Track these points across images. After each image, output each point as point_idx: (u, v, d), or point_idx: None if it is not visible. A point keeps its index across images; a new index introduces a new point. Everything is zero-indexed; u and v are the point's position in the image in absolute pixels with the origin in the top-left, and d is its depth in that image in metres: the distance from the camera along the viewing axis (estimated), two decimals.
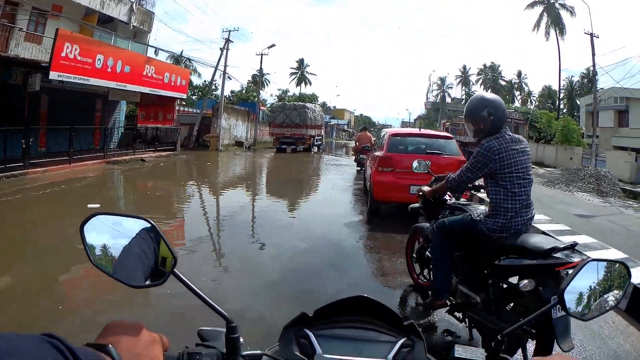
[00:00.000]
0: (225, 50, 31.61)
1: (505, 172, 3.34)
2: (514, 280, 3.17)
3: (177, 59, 48.01)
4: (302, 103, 36.61)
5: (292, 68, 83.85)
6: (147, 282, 0.95)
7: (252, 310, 4.25)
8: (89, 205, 9.22)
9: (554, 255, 2.90)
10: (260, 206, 11.24)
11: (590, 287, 1.08)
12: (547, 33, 52.11)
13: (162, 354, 0.81)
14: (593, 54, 26.71)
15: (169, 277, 0.96)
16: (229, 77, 33.08)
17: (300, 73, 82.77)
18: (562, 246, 2.94)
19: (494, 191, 3.42)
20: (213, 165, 22.09)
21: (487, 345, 1.12)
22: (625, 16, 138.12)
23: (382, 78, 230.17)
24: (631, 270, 1.16)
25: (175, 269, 0.95)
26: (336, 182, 16.29)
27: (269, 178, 19.24)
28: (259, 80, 48.29)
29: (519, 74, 75.09)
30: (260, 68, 40.79)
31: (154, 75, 21.39)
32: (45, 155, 16.17)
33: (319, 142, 36.77)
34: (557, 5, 51.64)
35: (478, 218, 3.49)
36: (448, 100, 77.93)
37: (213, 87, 35.97)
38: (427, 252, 4.63)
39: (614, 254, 6.55)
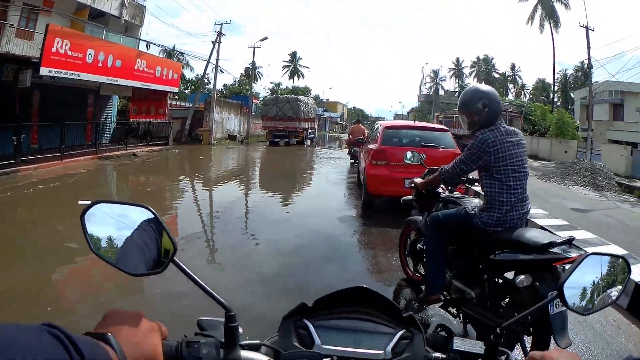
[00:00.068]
0: (217, 44, 31.38)
1: (500, 164, 3.28)
2: (509, 275, 3.12)
3: (170, 53, 47.68)
4: (294, 96, 36.41)
5: (284, 61, 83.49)
6: (147, 270, 0.95)
7: (247, 306, 4.18)
8: (80, 202, 9.08)
9: (551, 250, 2.85)
10: (253, 201, 11.18)
11: (592, 281, 1.06)
12: (542, 26, 51.85)
13: (161, 343, 0.82)
14: (588, 47, 26.73)
15: (168, 266, 0.95)
16: (221, 71, 32.96)
17: (293, 66, 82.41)
18: (559, 241, 2.89)
19: (488, 184, 3.35)
20: (205, 160, 21.97)
21: (482, 341, 1.09)
22: (620, 9, 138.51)
23: (375, 70, 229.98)
24: (632, 267, 1.11)
25: (175, 258, 0.94)
26: (330, 175, 16.26)
27: (262, 172, 19.18)
28: (251, 74, 47.97)
29: (513, 67, 75.27)
30: (253, 61, 40.51)
31: (145, 70, 21.27)
32: (37, 152, 16.01)
33: (312, 135, 36.68)
34: None
35: (472, 212, 3.43)
36: (441, 93, 77.82)
37: (205, 80, 35.76)
38: (419, 246, 4.59)
39: (614, 250, 6.47)
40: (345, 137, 34.48)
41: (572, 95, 52.51)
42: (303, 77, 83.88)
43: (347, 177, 15.53)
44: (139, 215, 0.95)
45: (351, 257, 6.45)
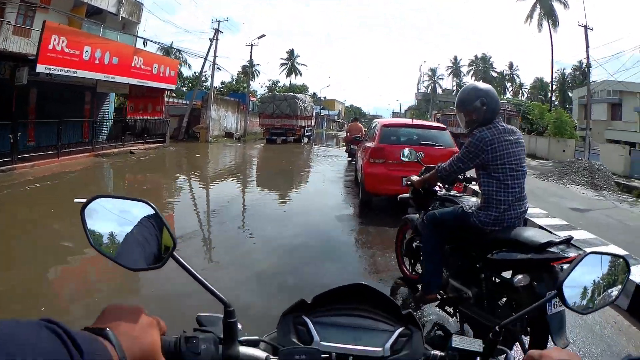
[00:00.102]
0: (214, 41, 31.21)
1: (498, 163, 3.25)
2: (507, 274, 3.09)
3: (167, 50, 47.58)
4: (292, 94, 36.40)
5: (282, 59, 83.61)
6: (146, 265, 0.94)
7: (242, 306, 4.15)
8: (76, 200, 9.04)
9: (549, 249, 2.83)
10: (249, 199, 11.12)
11: (592, 280, 1.05)
12: (540, 25, 51.97)
13: (160, 338, 0.81)
14: (587, 47, 26.74)
15: (167, 261, 0.94)
16: (218, 68, 32.93)
17: (291, 64, 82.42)
18: (557, 240, 2.86)
19: (486, 183, 3.33)
20: (202, 157, 21.90)
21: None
22: (618, 9, 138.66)
23: (373, 69, 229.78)
24: (632, 267, 1.10)
25: (174, 253, 0.94)
26: (327, 173, 16.26)
27: (259, 170, 19.14)
28: (249, 71, 47.80)
29: (511, 66, 75.36)
30: (250, 59, 40.43)
31: (142, 67, 21.16)
32: (34, 150, 15.94)
33: (310, 133, 36.61)
34: None
35: (470, 210, 3.41)
36: (439, 91, 77.84)
37: (203, 78, 35.60)
38: (415, 244, 4.57)
39: (614, 250, 6.39)
40: (343, 135, 34.50)
41: (570, 95, 52.58)
42: (301, 74, 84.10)
43: (344, 175, 15.53)
44: (139, 210, 0.94)
45: (348, 257, 6.42)
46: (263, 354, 1.00)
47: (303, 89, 73.34)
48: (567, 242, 2.90)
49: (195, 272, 0.97)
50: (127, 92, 23.26)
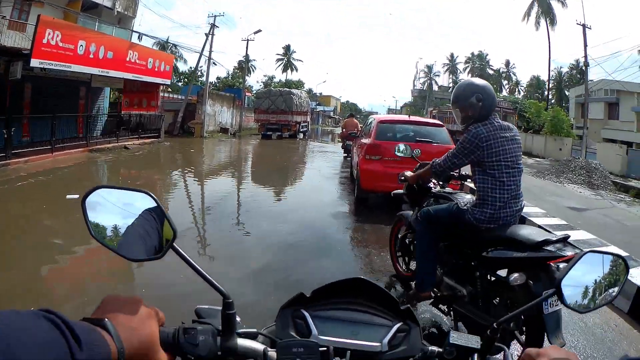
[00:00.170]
0: (210, 36, 31.05)
1: (493, 160, 3.21)
2: (502, 273, 3.06)
3: (163, 45, 47.40)
4: (287, 89, 36.43)
5: (278, 54, 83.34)
6: (146, 256, 0.94)
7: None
8: (68, 196, 8.99)
9: (546, 248, 2.79)
10: (244, 196, 11.07)
11: (591, 279, 1.04)
12: (537, 23, 51.96)
13: (158, 329, 0.82)
14: (585, 45, 26.67)
15: (167, 251, 0.94)
16: (214, 63, 32.82)
17: (287, 59, 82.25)
18: (554, 239, 2.83)
19: (481, 180, 3.29)
20: (197, 153, 21.80)
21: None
22: (616, 9, 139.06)
23: (368, 65, 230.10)
24: (633, 270, 1.06)
25: (174, 244, 0.94)
26: (322, 169, 16.25)
27: (254, 166, 19.07)
28: (244, 67, 47.58)
29: (507, 63, 75.45)
30: (246, 54, 40.23)
31: (137, 61, 21.04)
32: (29, 145, 15.85)
33: (305, 129, 36.68)
34: None
35: (465, 207, 3.37)
36: (435, 88, 77.77)
37: (198, 73, 35.54)
38: (408, 241, 4.55)
39: (614, 250, 6.42)
40: (338, 130, 34.49)
41: (567, 93, 52.59)
42: (297, 70, 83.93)
43: (340, 171, 15.52)
44: (140, 201, 0.95)
45: (344, 255, 6.39)
46: (261, 346, 1.00)
47: (299, 84, 73.36)
48: (564, 240, 2.87)
49: (194, 264, 0.96)
50: (122, 87, 23.10)
